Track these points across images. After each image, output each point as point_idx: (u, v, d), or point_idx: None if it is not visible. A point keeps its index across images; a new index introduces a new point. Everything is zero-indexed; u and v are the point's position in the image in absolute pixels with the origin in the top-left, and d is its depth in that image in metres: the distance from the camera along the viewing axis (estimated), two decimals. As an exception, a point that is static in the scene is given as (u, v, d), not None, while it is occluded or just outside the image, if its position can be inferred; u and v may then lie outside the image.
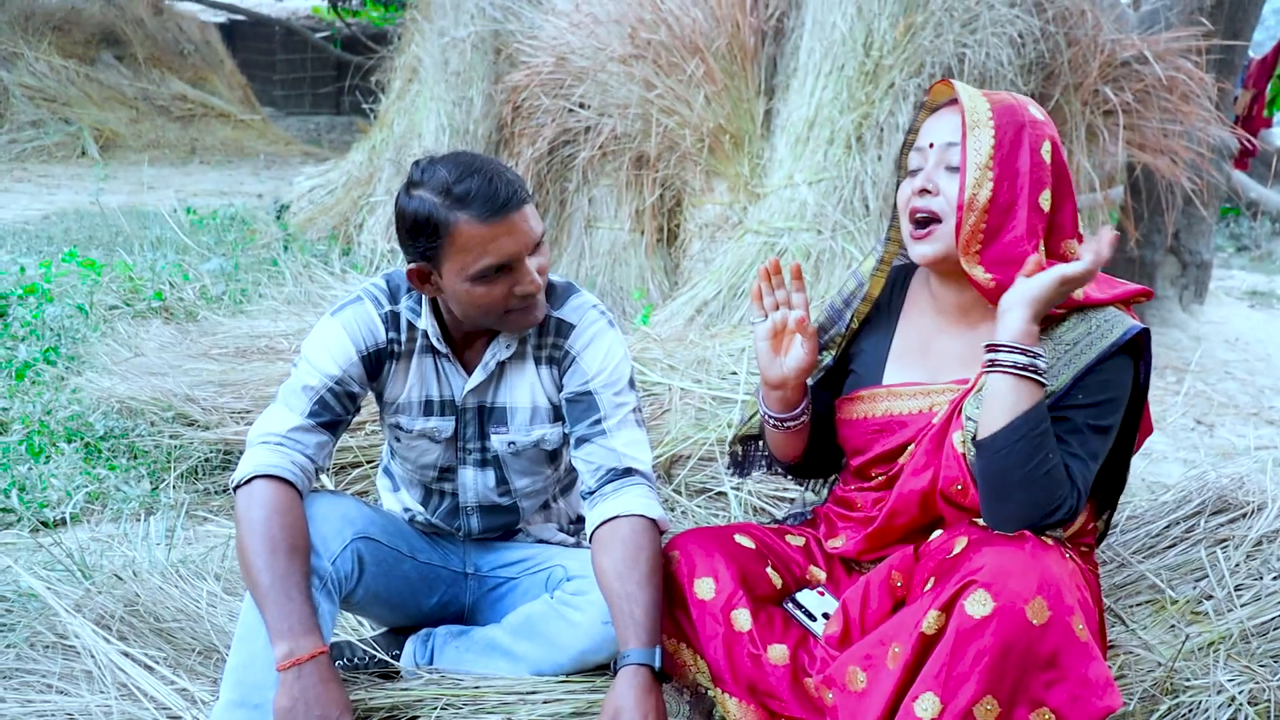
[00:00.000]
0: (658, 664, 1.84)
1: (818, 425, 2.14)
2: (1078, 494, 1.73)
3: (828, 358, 2.13)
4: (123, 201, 8.99)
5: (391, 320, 2.09)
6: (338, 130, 17.72)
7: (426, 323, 2.09)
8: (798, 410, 2.03)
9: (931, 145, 1.88)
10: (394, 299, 2.11)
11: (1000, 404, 1.73)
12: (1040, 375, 1.72)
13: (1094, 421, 1.78)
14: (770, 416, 2.06)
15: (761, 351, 1.98)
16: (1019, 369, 1.72)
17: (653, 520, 2.01)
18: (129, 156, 12.58)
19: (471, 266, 1.91)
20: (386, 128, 7.48)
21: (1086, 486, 1.75)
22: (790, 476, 2.35)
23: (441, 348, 2.10)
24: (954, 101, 1.89)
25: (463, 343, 2.14)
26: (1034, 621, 1.56)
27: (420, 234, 1.92)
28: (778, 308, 1.96)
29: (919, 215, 1.87)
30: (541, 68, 5.94)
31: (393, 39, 8.11)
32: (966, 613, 1.58)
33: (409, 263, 1.99)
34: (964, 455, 1.83)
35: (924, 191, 1.87)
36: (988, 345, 1.76)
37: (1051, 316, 1.83)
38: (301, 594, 1.84)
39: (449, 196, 1.89)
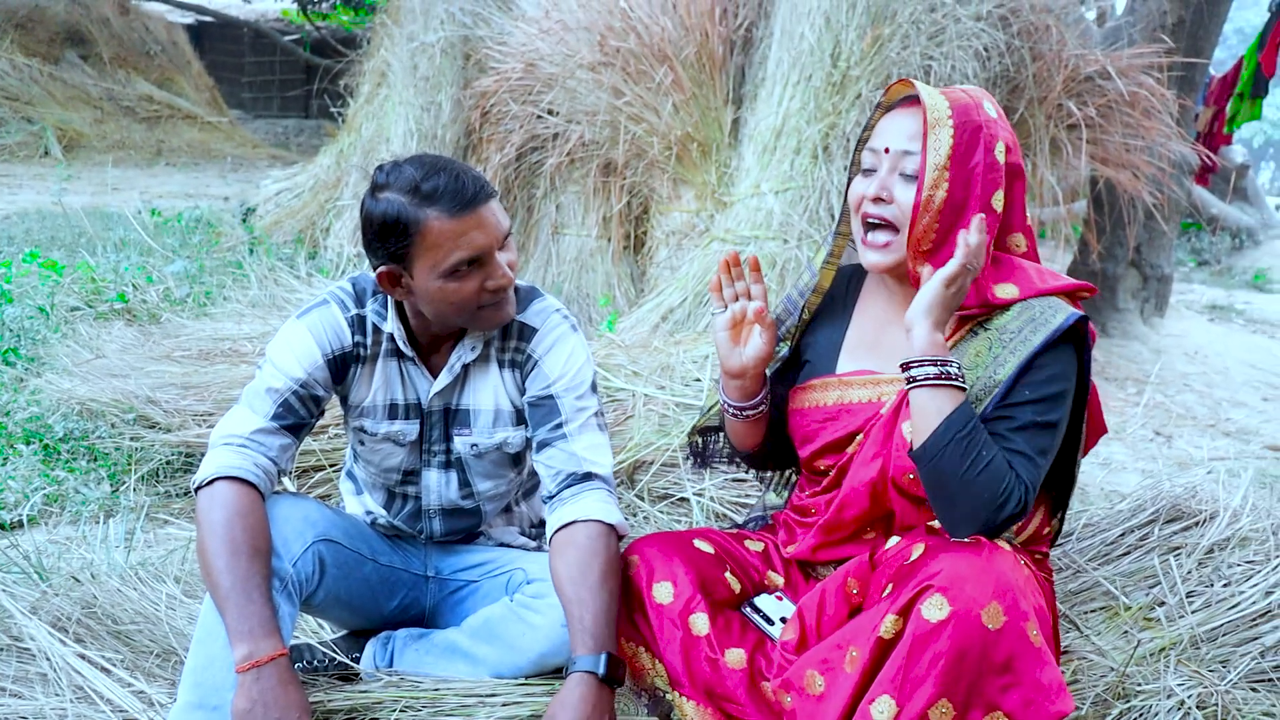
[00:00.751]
0: (603, 670, 1.83)
1: (775, 416, 2.18)
2: (1025, 487, 1.74)
3: (784, 348, 2.16)
4: (86, 202, 8.91)
5: (358, 324, 2.09)
6: (305, 134, 17.65)
7: (393, 326, 2.09)
8: (756, 399, 2.07)
9: (887, 150, 1.89)
10: (360, 303, 2.11)
11: (924, 415, 1.76)
12: (955, 380, 1.75)
13: (1040, 418, 1.80)
14: (730, 405, 2.09)
15: (721, 341, 2.01)
16: (933, 379, 1.75)
17: (609, 525, 2.02)
18: (93, 157, 12.47)
19: (443, 262, 1.91)
20: (354, 132, 7.46)
21: (1035, 482, 1.77)
22: (749, 468, 2.38)
23: (407, 351, 2.10)
24: (911, 101, 1.90)
25: (428, 346, 2.14)
26: (989, 626, 1.59)
27: (389, 235, 1.92)
28: (737, 299, 1.99)
29: (870, 220, 1.90)
30: (510, 74, 5.95)
31: (362, 43, 8.10)
32: (923, 617, 1.60)
33: (377, 267, 1.99)
34: (913, 445, 1.86)
35: (878, 199, 1.89)
36: (901, 364, 1.79)
37: (995, 308, 1.88)
38: (262, 596, 1.83)
39: (417, 195, 1.89)
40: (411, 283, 1.97)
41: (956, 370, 1.76)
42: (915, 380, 1.76)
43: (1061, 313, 1.83)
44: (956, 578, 1.61)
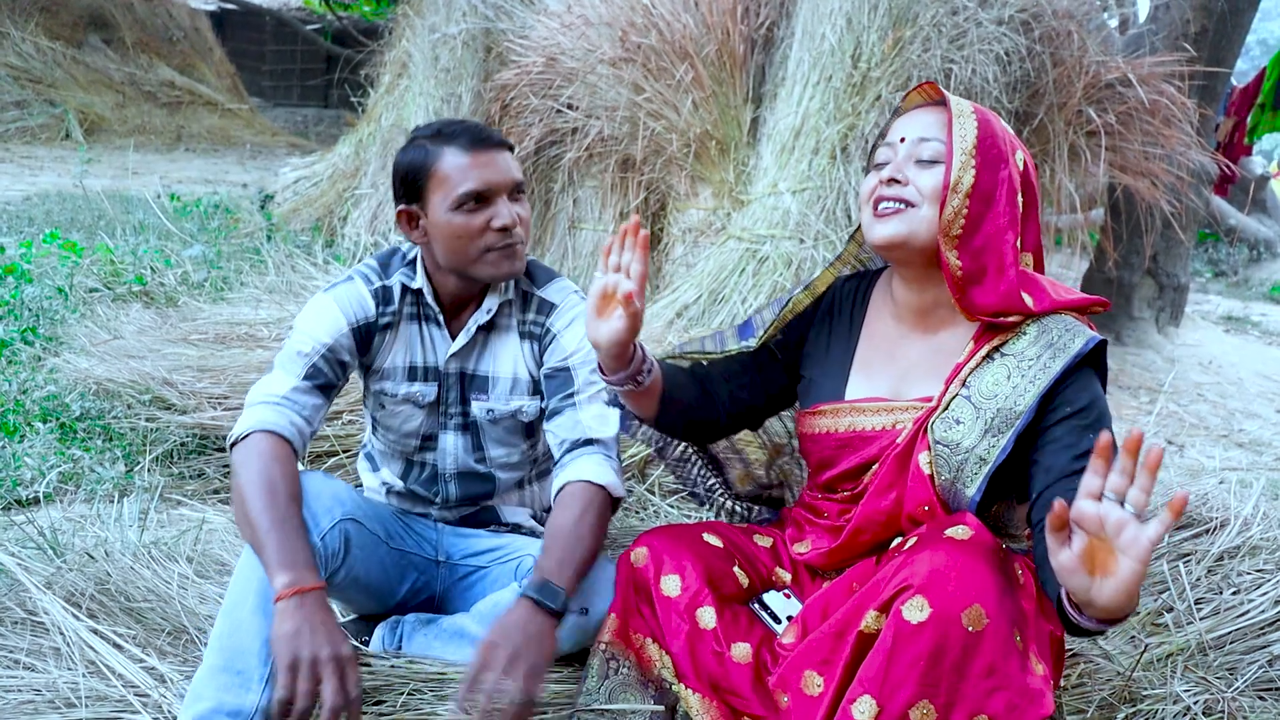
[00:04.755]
0: (544, 597, 1.87)
1: (703, 402, 2.14)
2: None
3: (752, 343, 2.11)
4: (106, 186, 8.96)
5: (382, 295, 2.18)
6: (325, 123, 17.73)
7: (421, 281, 2.19)
8: (619, 376, 1.95)
9: (903, 140, 1.89)
10: (385, 274, 2.20)
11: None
12: (1134, 612, 1.61)
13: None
14: (598, 368, 2.01)
15: (589, 306, 1.89)
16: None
17: (600, 485, 2.06)
18: (114, 141, 12.56)
19: (452, 193, 2.04)
20: (374, 122, 7.49)
21: None
22: (657, 433, 2.28)
23: (432, 306, 2.19)
24: (926, 105, 1.92)
25: (450, 309, 2.23)
26: (970, 628, 1.58)
27: (410, 173, 2.08)
28: (619, 270, 1.87)
29: (885, 201, 1.87)
30: (531, 67, 5.96)
31: (383, 33, 8.12)
32: (904, 618, 1.60)
33: (398, 209, 2.13)
34: (931, 477, 1.84)
35: (893, 181, 1.86)
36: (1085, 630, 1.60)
37: (1011, 329, 1.85)
38: (301, 535, 1.86)
39: (439, 136, 2.08)
40: (426, 222, 2.09)
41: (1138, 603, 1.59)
42: (1105, 629, 1.60)
43: (1080, 337, 1.80)
44: (938, 578, 1.60)
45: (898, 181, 1.86)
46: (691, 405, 2.13)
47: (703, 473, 2.43)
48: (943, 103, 1.90)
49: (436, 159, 2.06)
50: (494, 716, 1.73)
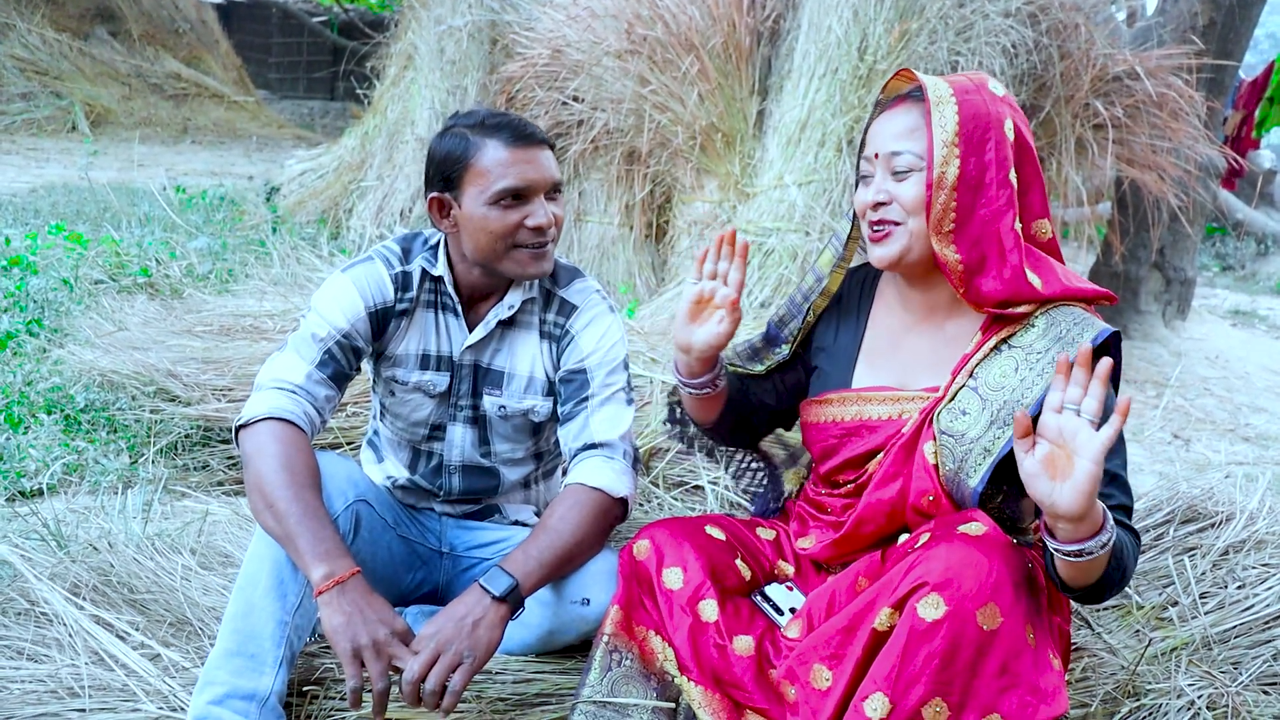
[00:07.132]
0: (499, 592, 1.84)
1: (746, 405, 2.17)
2: (1137, 540, 1.72)
3: (785, 351, 2.14)
4: (112, 178, 8.98)
5: (401, 281, 2.16)
6: (331, 115, 17.73)
7: (442, 269, 2.16)
8: (702, 380, 2.03)
9: (876, 155, 1.88)
10: (406, 259, 2.17)
11: (1084, 572, 1.61)
12: (1112, 539, 1.58)
13: (1122, 465, 1.75)
14: (676, 374, 2.07)
15: (681, 312, 1.96)
16: (1099, 550, 1.58)
17: (593, 488, 2.05)
18: (120, 133, 12.57)
19: (490, 188, 2.01)
20: (380, 114, 7.49)
21: (1132, 500, 1.76)
22: (710, 440, 2.34)
23: (452, 296, 2.16)
24: (903, 98, 1.89)
25: (469, 301, 2.20)
26: (985, 627, 1.57)
27: (447, 161, 2.05)
28: (715, 277, 1.95)
29: (876, 225, 1.89)
30: (537, 60, 5.96)
31: (389, 26, 8.12)
32: (919, 615, 1.59)
33: (430, 195, 2.09)
34: (936, 467, 1.84)
35: (878, 204, 1.87)
36: (1059, 550, 1.59)
37: (1020, 320, 1.84)
38: (330, 525, 1.86)
39: (481, 127, 2.04)
40: (458, 212, 2.06)
41: (1107, 536, 1.57)
42: (1077, 555, 1.57)
43: (1089, 331, 1.78)
44: (954, 576, 1.59)
45: (882, 204, 1.87)
46: (741, 409, 2.18)
47: (763, 480, 2.44)
48: (921, 90, 1.86)
49: (476, 150, 2.02)
50: (429, 701, 1.72)
